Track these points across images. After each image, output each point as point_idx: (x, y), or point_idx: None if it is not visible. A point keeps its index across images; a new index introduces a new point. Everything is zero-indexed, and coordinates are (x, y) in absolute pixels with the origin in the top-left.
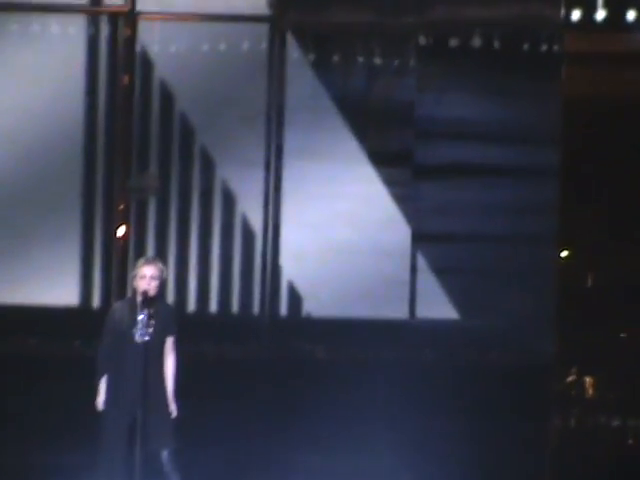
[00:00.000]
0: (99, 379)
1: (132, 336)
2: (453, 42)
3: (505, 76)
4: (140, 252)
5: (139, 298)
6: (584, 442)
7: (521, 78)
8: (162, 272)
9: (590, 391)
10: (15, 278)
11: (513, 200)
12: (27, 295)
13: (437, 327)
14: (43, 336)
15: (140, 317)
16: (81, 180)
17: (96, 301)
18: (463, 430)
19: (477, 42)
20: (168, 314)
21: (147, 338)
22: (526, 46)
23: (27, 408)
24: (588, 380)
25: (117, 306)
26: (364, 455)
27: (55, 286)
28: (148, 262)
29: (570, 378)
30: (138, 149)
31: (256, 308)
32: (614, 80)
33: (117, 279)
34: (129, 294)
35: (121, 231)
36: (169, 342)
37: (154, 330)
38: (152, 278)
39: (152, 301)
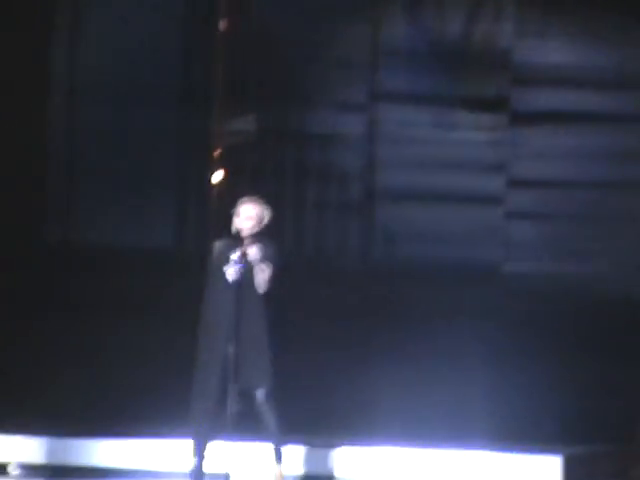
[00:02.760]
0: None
1: (225, 274)
2: None
3: (603, 21)
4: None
5: (234, 237)
6: None
7: (620, 23)
8: (261, 213)
9: None
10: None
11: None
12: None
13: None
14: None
15: (233, 256)
16: (178, 123)
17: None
18: None
19: None
20: (268, 253)
21: (237, 276)
22: None
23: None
24: None
25: (217, 245)
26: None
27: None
28: (246, 201)
29: None
30: (236, 92)
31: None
32: None
33: (214, 223)
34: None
35: (218, 176)
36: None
37: (247, 269)
38: (248, 218)
39: (247, 240)
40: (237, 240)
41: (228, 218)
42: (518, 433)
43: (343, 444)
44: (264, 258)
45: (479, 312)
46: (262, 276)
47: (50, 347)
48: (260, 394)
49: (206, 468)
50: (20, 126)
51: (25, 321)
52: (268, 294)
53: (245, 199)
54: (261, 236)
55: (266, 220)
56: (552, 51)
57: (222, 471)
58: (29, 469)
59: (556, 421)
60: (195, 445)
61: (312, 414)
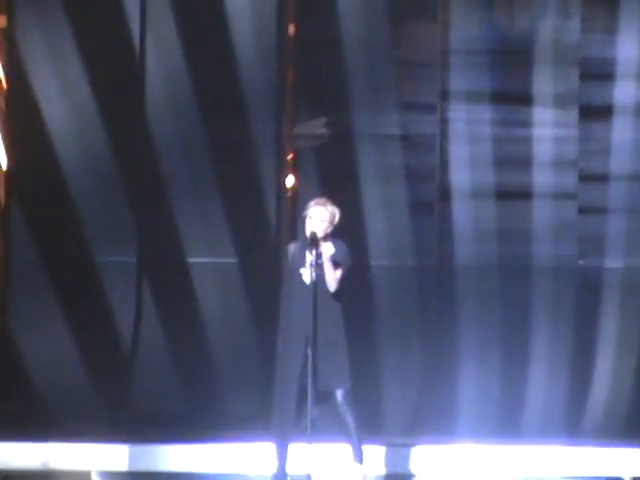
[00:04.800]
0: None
1: (301, 276)
2: None
3: None
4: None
5: (308, 239)
6: None
7: None
8: (332, 214)
9: None
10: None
11: None
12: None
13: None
14: None
15: (308, 257)
16: (249, 128)
17: None
18: None
19: None
20: (339, 254)
21: (313, 278)
22: None
23: None
24: None
25: (292, 247)
26: None
27: None
28: (317, 204)
29: None
30: (308, 95)
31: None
32: None
33: (289, 227)
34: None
35: (290, 180)
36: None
37: (322, 271)
38: (320, 220)
39: (320, 242)
40: (311, 242)
41: (301, 221)
42: (601, 427)
43: (424, 443)
44: (336, 257)
45: (555, 307)
46: (332, 275)
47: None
48: (339, 394)
49: (288, 470)
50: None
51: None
52: (343, 294)
53: (314, 201)
54: (333, 237)
55: (336, 220)
56: (619, 45)
57: (304, 473)
58: (110, 476)
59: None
60: (277, 447)
61: (392, 413)
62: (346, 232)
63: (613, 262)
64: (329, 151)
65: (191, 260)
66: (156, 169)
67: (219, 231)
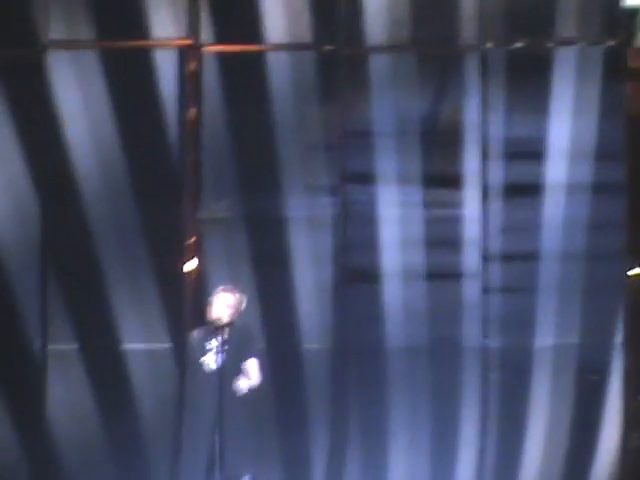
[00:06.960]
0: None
1: (205, 363)
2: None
3: (567, 94)
4: (212, 285)
5: (212, 326)
6: None
7: (584, 95)
8: (238, 301)
9: None
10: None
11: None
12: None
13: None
14: None
15: (211, 344)
16: (151, 213)
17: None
18: None
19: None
20: (245, 340)
21: (217, 366)
22: (587, 63)
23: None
24: None
25: (195, 334)
26: None
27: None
28: (222, 290)
29: None
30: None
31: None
32: None
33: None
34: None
35: (192, 264)
36: (247, 365)
37: (227, 357)
38: (226, 306)
39: (224, 329)
40: (215, 328)
41: (204, 307)
42: None
43: None
44: (249, 353)
45: (460, 387)
46: (255, 375)
47: None
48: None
49: None
50: None
51: None
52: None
53: (221, 287)
54: (240, 325)
55: (243, 307)
56: (519, 125)
57: None
58: None
59: None
60: None
61: None
62: (255, 316)
63: (518, 342)
64: (233, 235)
65: (123, 346)
66: (81, 252)
67: (134, 316)
